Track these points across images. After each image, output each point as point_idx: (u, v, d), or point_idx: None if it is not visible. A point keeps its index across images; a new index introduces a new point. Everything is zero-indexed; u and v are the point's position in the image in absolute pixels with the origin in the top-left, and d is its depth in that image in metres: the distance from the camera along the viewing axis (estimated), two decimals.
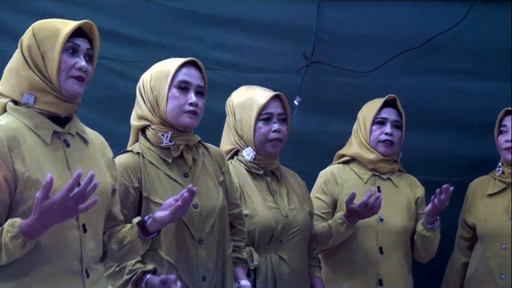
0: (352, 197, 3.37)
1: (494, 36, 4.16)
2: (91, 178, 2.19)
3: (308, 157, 4.08)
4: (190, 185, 2.57)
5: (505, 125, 3.72)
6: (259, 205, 3.22)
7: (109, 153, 2.62)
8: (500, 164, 3.76)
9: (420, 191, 3.72)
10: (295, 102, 4.08)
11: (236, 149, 3.32)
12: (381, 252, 3.55)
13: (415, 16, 4.24)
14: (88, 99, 4.09)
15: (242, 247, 3.10)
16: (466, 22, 4.14)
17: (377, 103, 3.69)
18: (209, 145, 3.08)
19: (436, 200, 3.41)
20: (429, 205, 3.47)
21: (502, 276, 3.60)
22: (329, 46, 4.23)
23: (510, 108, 3.72)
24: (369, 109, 3.70)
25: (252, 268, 3.14)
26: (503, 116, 3.74)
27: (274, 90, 3.37)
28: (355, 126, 3.76)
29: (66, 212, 2.22)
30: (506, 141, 3.69)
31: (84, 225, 2.40)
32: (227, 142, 3.36)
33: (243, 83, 3.52)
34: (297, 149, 4.00)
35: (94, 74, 4.20)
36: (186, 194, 2.54)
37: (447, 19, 4.16)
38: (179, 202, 2.53)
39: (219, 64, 4.22)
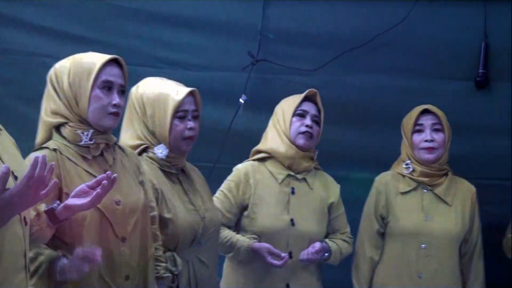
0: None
1: (437, 35, 4.21)
2: (45, 160, 2.09)
3: None
4: (109, 172, 2.48)
5: (422, 124, 3.73)
6: (180, 208, 3.11)
7: (11, 137, 2.48)
8: (409, 161, 3.75)
9: (334, 196, 3.72)
10: (241, 100, 4.10)
11: (145, 145, 3.16)
12: (291, 257, 3.52)
13: (359, 15, 4.27)
14: (32, 97, 4.12)
15: (161, 260, 3.00)
16: (409, 21, 4.18)
17: (297, 97, 3.68)
18: (124, 146, 2.99)
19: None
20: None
21: (420, 275, 3.63)
22: (274, 44, 4.28)
23: (425, 106, 3.75)
24: (289, 102, 3.68)
25: (176, 274, 3.03)
26: (418, 114, 3.75)
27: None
28: (272, 120, 3.73)
29: (27, 202, 2.15)
30: (426, 140, 3.69)
31: (24, 218, 2.31)
32: (131, 137, 3.17)
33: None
34: (243, 147, 4.02)
35: (39, 72, 4.23)
36: (105, 182, 2.44)
37: (390, 18, 4.20)
38: (99, 190, 2.44)
39: (164, 63, 4.25)
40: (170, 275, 3.00)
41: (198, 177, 3.32)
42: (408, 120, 3.76)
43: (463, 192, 3.75)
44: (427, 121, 3.73)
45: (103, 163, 2.80)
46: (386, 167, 3.92)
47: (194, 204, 3.17)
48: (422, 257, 3.64)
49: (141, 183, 2.91)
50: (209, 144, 3.87)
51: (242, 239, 3.54)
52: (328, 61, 4.22)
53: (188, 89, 3.16)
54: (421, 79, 4.22)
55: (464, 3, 4.16)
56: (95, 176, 2.64)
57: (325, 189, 3.72)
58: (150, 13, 4.30)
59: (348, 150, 4.17)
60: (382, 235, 3.74)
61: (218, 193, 3.60)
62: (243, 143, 3.97)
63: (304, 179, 3.67)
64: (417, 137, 3.72)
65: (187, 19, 4.29)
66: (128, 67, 2.89)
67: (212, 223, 3.21)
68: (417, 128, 3.73)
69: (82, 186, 2.50)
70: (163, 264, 2.99)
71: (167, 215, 3.05)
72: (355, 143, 4.19)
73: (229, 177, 3.66)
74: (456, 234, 3.67)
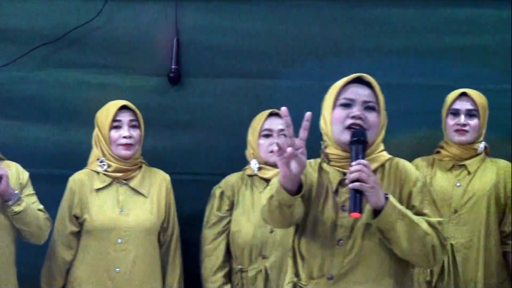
0: None
1: (130, 31, 4.23)
2: None
3: None
4: None
5: (120, 120, 3.75)
6: None
7: None
8: (104, 159, 3.75)
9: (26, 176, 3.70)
10: None
11: None
12: None
13: (53, 10, 4.22)
14: None
15: None
16: (102, 17, 4.19)
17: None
18: None
19: None
20: None
21: (117, 269, 3.64)
22: None
23: (123, 102, 3.77)
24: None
25: None
26: (117, 111, 3.76)
27: None
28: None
29: None
30: (125, 137, 3.71)
31: None
32: None
33: None
34: None
35: None
36: None
37: (85, 13, 4.19)
38: None
39: None
40: None
41: None
42: (106, 116, 3.76)
43: (158, 181, 3.81)
44: (125, 117, 3.75)
45: None
46: (81, 164, 3.88)
47: None
48: (118, 251, 3.65)
49: None
50: None
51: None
52: (20, 56, 4.14)
53: None
54: (115, 75, 4.22)
55: (156, 0, 4.22)
56: None
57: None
58: None
59: (42, 148, 4.11)
60: (78, 234, 3.73)
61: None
62: None
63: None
64: (114, 133, 3.74)
65: None
66: None
67: None
68: (115, 125, 3.74)
69: None
70: None
71: None
72: (49, 140, 4.13)
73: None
74: (152, 224, 3.72)
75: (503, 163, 3.88)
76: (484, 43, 4.17)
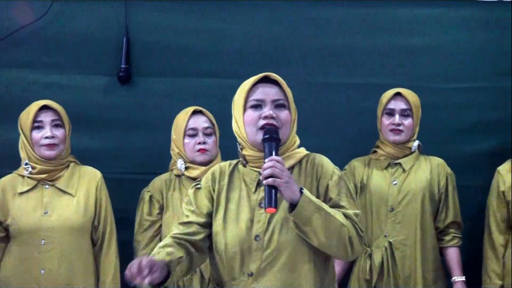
0: None
1: (78, 30, 4.21)
2: None
3: None
4: None
5: (41, 121, 3.70)
6: None
7: None
8: (28, 162, 3.71)
9: None
10: None
11: None
12: None
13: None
14: None
15: None
16: (49, 16, 4.16)
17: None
18: None
19: None
20: None
21: (43, 271, 3.62)
22: None
23: (44, 102, 3.73)
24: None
25: None
26: (37, 111, 3.72)
27: None
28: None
29: None
30: (46, 137, 3.68)
31: None
32: None
33: None
34: None
35: None
36: None
37: (34, 13, 4.15)
38: None
39: None
40: None
41: None
42: (27, 117, 3.72)
43: (87, 179, 3.77)
44: (46, 117, 3.71)
45: None
46: None
47: None
48: (43, 253, 3.63)
49: None
50: None
51: None
52: None
53: None
54: (64, 74, 4.19)
55: None
56: None
57: None
58: None
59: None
60: (6, 238, 3.69)
61: None
62: None
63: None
64: (36, 134, 3.69)
65: None
66: None
67: None
68: (36, 125, 3.70)
69: None
70: None
71: None
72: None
73: None
74: (78, 223, 3.68)
75: (437, 160, 3.99)
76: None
